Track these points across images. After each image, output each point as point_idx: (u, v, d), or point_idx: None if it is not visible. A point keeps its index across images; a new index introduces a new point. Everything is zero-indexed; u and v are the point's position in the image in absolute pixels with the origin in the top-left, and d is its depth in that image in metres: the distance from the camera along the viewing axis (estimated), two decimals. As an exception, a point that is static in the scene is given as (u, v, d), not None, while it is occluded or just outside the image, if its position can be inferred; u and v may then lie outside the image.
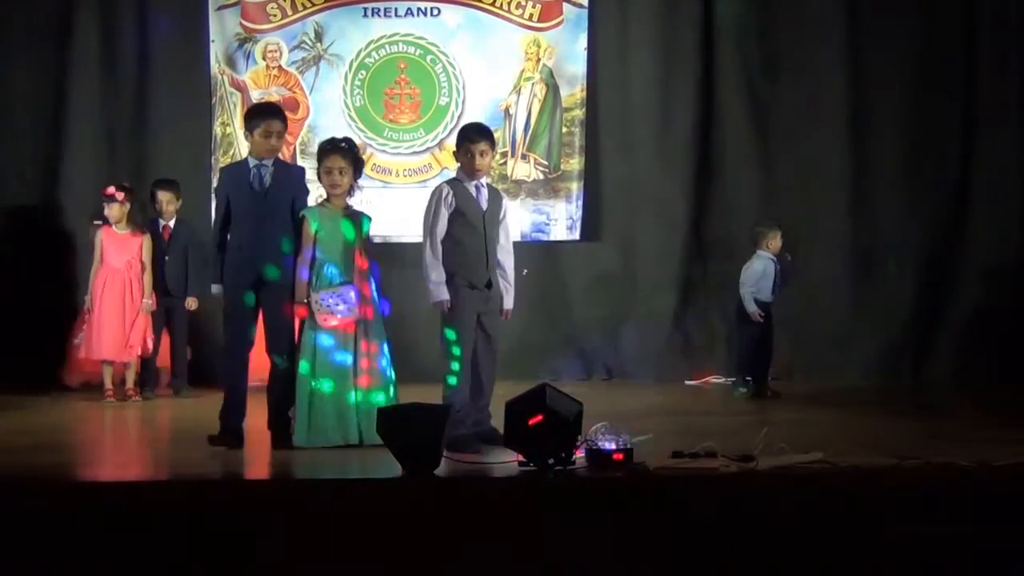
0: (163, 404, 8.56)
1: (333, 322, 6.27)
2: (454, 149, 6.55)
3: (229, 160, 9.70)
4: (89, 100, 9.74)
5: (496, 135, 9.76)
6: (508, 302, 6.48)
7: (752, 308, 8.50)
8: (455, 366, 6.34)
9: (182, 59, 9.88)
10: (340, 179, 6.42)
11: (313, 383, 6.25)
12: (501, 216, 6.47)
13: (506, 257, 6.48)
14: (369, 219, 6.60)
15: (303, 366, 6.27)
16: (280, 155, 6.61)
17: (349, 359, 6.30)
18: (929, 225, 9.80)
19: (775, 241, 8.64)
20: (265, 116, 6.39)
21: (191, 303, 8.79)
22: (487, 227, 6.36)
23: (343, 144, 6.54)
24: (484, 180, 6.50)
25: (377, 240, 9.75)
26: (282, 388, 6.28)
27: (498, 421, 5.47)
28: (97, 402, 8.44)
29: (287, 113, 9.81)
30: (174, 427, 7.57)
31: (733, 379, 9.05)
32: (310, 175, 6.92)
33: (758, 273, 8.58)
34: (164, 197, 8.89)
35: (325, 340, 6.28)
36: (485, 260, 6.35)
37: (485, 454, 5.75)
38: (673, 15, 9.88)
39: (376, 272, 6.53)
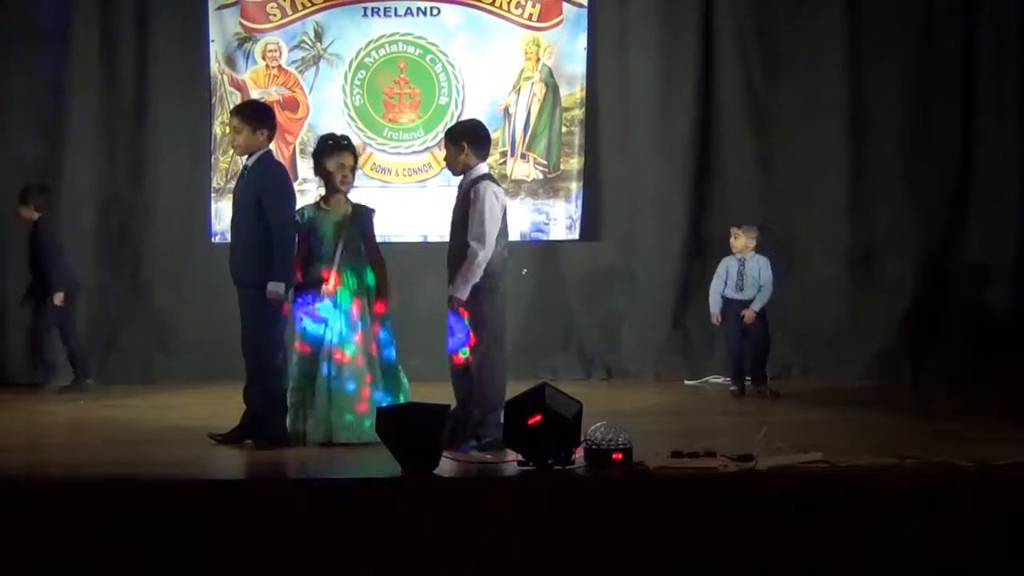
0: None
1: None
2: None
3: (229, 160, 9.70)
4: (89, 100, 9.73)
5: (495, 135, 9.91)
6: (453, 288, 6.34)
7: (713, 310, 8.74)
8: None
9: (182, 59, 9.87)
10: (351, 177, 6.50)
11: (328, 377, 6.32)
12: (462, 212, 6.33)
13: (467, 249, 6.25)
14: (372, 211, 6.69)
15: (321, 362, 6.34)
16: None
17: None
18: (928, 225, 9.79)
19: (737, 240, 8.70)
20: (274, 117, 6.54)
21: (57, 299, 8.92)
22: (451, 226, 6.43)
23: (345, 142, 6.55)
24: (464, 179, 6.41)
25: (377, 240, 9.80)
26: (260, 389, 6.30)
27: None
28: (94, 401, 8.45)
29: (287, 113, 9.98)
30: (169, 427, 7.56)
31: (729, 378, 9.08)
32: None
33: (719, 272, 8.74)
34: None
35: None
36: (448, 260, 6.41)
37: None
38: (673, 15, 9.86)
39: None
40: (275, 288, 6.18)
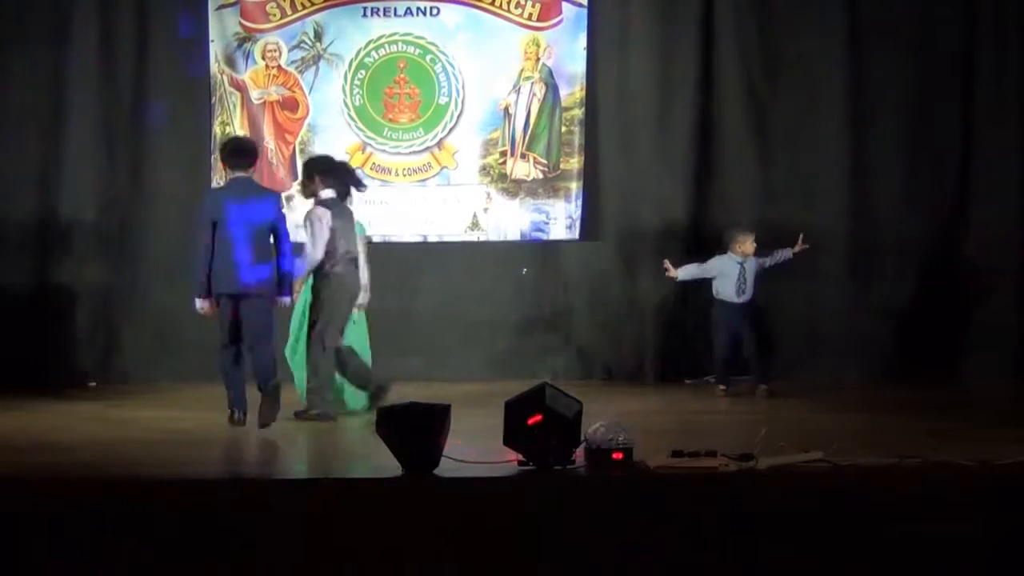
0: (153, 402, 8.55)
1: None
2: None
3: (228, 160, 9.73)
4: (89, 100, 9.72)
5: (495, 134, 9.93)
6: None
7: (671, 272, 8.84)
8: None
9: (182, 59, 9.87)
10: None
11: None
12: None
13: None
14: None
15: None
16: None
17: None
18: (928, 225, 9.80)
19: (744, 245, 8.71)
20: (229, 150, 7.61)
21: None
22: None
23: None
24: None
25: (377, 239, 9.83)
26: None
27: (498, 420, 5.46)
28: (95, 401, 8.44)
29: (287, 112, 9.97)
30: (169, 427, 7.57)
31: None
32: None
33: (713, 267, 8.75)
34: None
35: None
36: None
37: None
38: (673, 14, 9.86)
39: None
40: None
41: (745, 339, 8.74)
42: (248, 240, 7.06)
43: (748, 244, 8.72)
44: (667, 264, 8.88)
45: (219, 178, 9.81)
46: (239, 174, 7.27)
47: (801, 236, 8.81)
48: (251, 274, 7.07)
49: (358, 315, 7.94)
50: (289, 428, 7.27)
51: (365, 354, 7.95)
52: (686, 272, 8.88)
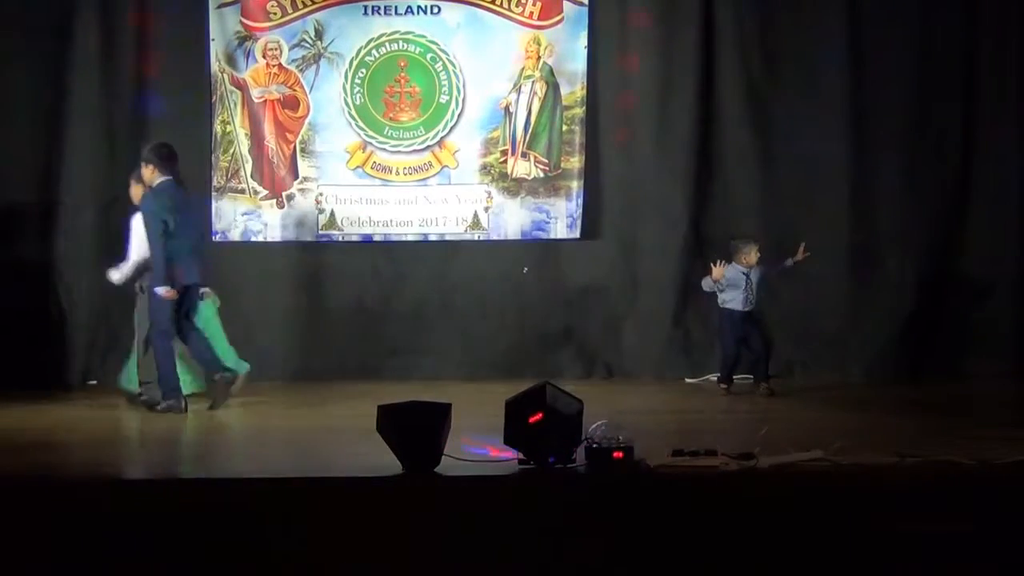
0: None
1: None
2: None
3: (229, 159, 9.74)
4: (89, 100, 9.72)
5: (496, 133, 9.93)
6: None
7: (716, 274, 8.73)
8: None
9: (182, 58, 9.86)
10: None
11: None
12: None
13: None
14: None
15: None
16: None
17: None
18: (928, 225, 9.80)
19: (749, 256, 8.71)
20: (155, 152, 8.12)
21: None
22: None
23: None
24: None
25: (378, 238, 9.81)
26: None
27: (498, 419, 5.46)
28: (95, 401, 8.44)
29: (287, 111, 9.97)
30: (169, 427, 7.57)
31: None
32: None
33: (724, 278, 8.71)
34: None
35: None
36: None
37: None
38: (673, 14, 9.86)
39: None
40: None
41: (751, 342, 8.75)
42: (196, 236, 8.05)
43: (752, 254, 8.73)
44: (718, 265, 8.78)
45: (219, 177, 9.81)
46: (171, 177, 7.95)
47: (803, 245, 8.78)
48: (198, 266, 7.99)
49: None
50: (288, 428, 7.27)
51: (218, 336, 8.35)
52: (706, 285, 8.87)
